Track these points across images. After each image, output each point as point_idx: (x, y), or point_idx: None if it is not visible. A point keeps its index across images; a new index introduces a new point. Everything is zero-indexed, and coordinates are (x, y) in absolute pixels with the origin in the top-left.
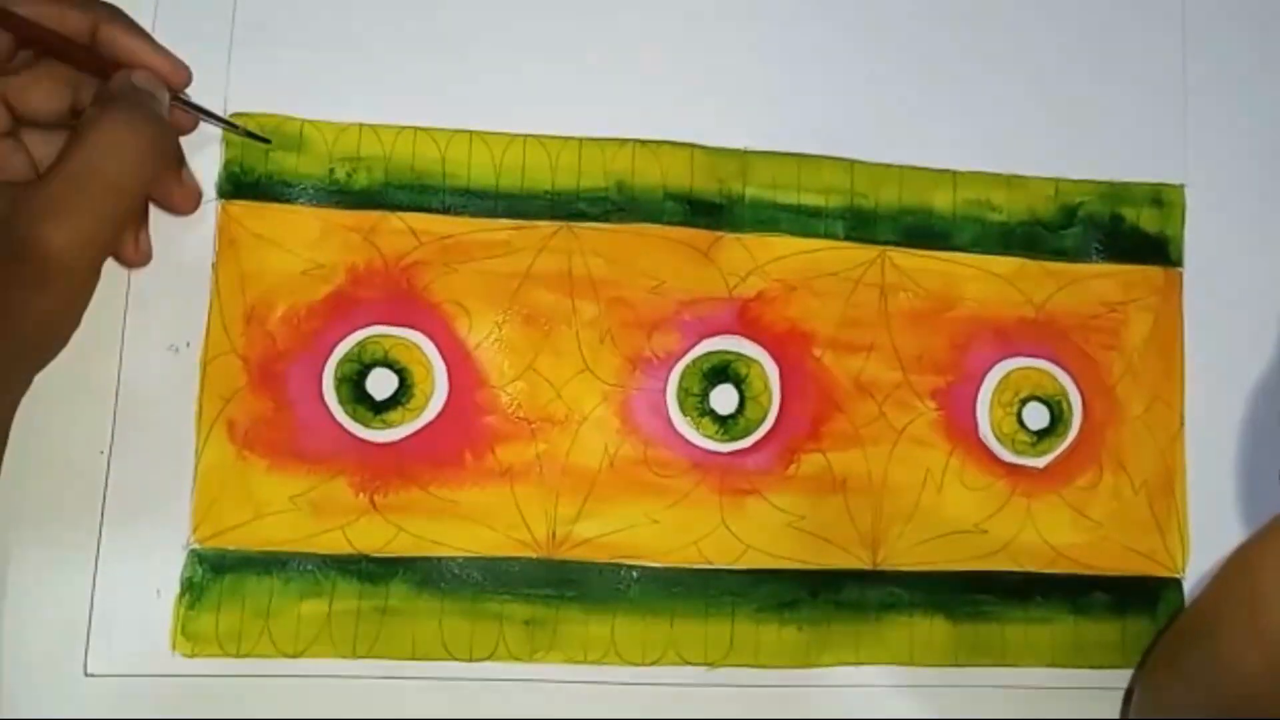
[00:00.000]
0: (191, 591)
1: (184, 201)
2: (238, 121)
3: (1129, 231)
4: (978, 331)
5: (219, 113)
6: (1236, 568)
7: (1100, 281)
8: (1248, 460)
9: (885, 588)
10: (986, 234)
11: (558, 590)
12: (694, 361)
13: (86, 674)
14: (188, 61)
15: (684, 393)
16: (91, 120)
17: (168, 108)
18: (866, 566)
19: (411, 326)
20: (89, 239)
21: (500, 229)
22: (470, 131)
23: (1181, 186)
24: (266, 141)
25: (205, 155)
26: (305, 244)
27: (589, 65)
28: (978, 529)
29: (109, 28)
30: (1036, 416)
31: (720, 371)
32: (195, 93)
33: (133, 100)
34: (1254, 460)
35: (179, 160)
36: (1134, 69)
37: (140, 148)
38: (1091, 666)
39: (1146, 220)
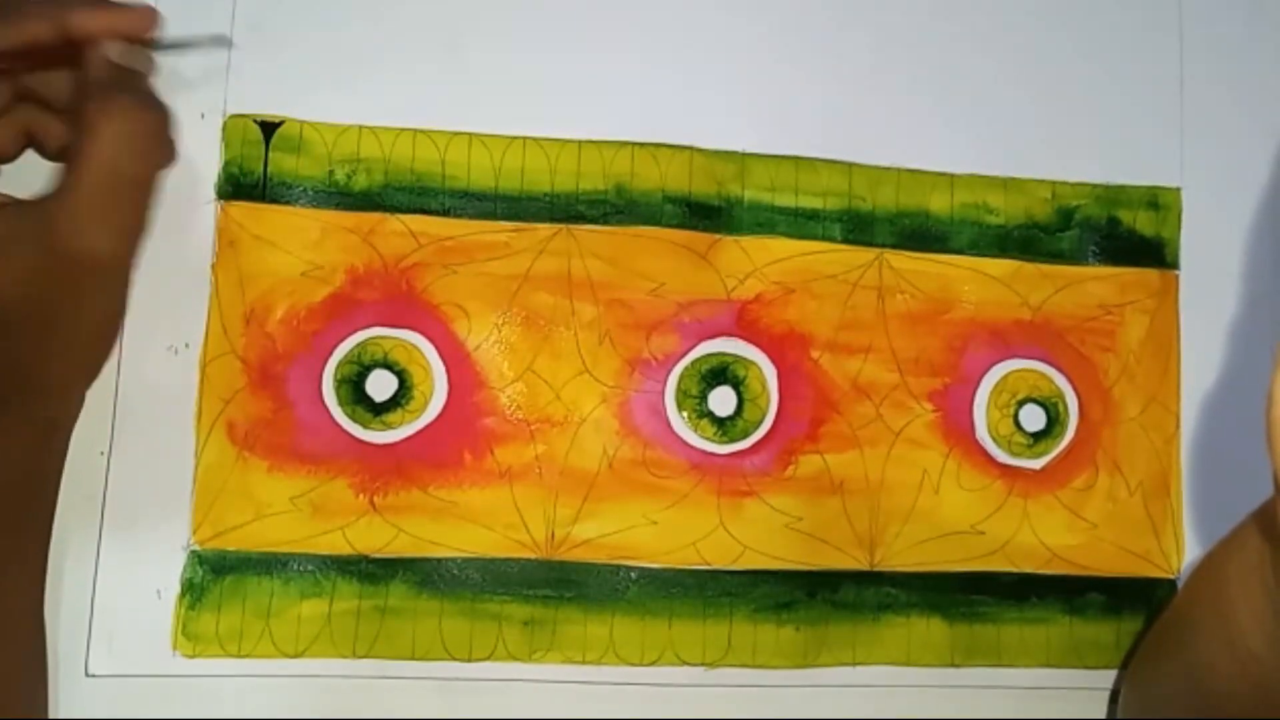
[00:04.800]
0: (192, 592)
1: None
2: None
3: (1125, 234)
4: (975, 333)
5: (221, 112)
6: (1205, 574)
7: (1097, 284)
8: (1243, 462)
9: (882, 588)
10: (983, 236)
11: (557, 591)
12: (693, 363)
13: (87, 674)
14: (187, 64)
15: (682, 394)
16: (94, 118)
17: (149, 66)
18: (863, 567)
19: (411, 328)
20: (128, 236)
21: (499, 231)
22: (469, 134)
23: (1177, 189)
24: (229, 43)
25: (204, 157)
26: (305, 245)
27: (588, 68)
28: (974, 530)
29: (72, 16)
30: (1033, 418)
31: (719, 373)
32: (194, 91)
33: (125, 86)
34: (1249, 462)
35: None
36: (1130, 72)
37: (150, 135)
38: (1087, 667)
39: (1143, 223)
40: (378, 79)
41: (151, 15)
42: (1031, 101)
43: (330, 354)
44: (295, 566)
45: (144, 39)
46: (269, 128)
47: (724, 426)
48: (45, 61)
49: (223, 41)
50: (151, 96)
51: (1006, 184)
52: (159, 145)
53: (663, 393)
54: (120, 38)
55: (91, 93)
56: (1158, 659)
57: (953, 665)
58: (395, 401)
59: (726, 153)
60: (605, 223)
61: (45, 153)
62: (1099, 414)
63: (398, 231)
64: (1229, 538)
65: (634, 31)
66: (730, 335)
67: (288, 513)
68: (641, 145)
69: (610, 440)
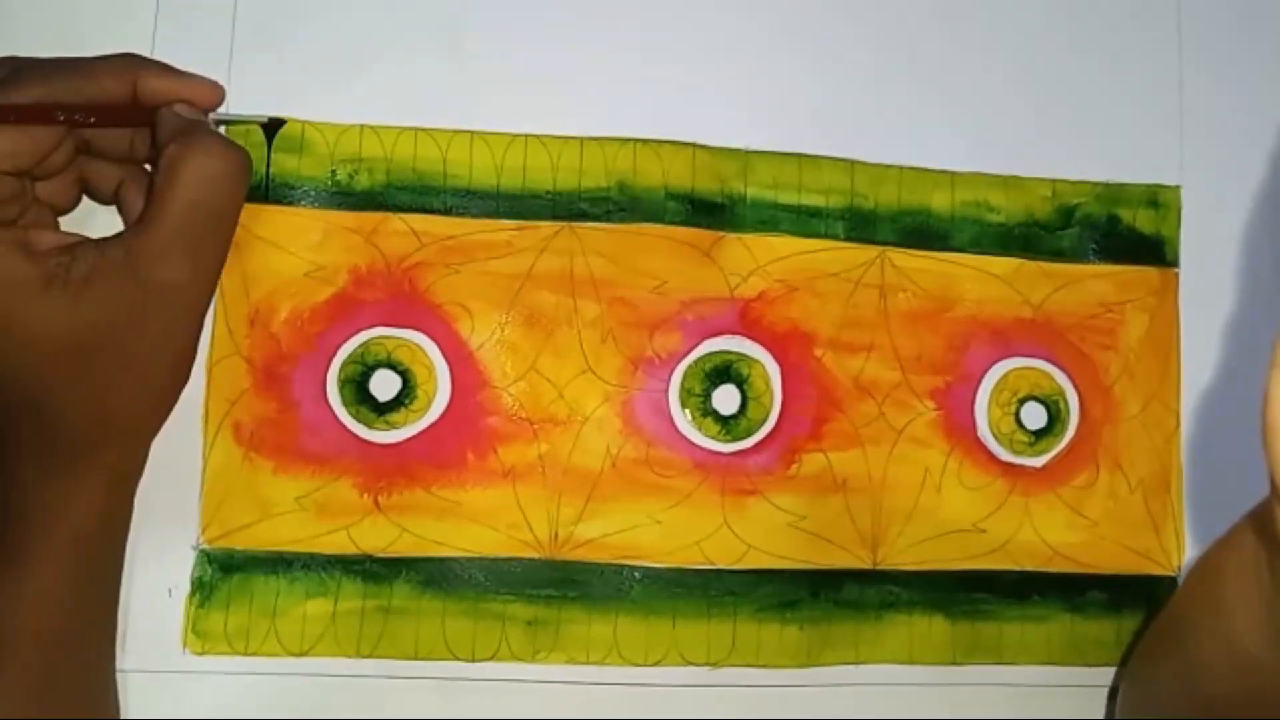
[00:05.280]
0: (201, 590)
1: None
2: (250, 118)
3: (1125, 232)
4: (976, 332)
5: (223, 113)
6: (1202, 573)
7: (1097, 282)
8: (1242, 459)
9: (885, 587)
10: (985, 235)
11: (560, 590)
12: (696, 362)
13: None
14: (188, 63)
15: (686, 393)
16: (176, 156)
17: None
18: (866, 566)
19: (414, 328)
20: (208, 268)
21: (502, 229)
22: (471, 132)
23: (1177, 188)
24: (281, 123)
25: None
26: (308, 246)
27: (590, 65)
28: (976, 528)
29: (145, 78)
30: (1034, 416)
31: (722, 372)
32: None
33: (206, 130)
34: (1249, 459)
35: None
36: (1130, 71)
37: (231, 173)
38: (1088, 664)
39: (1142, 221)
40: (378, 78)
41: (217, 90)
42: (1031, 100)
43: (334, 354)
44: (300, 566)
45: (205, 110)
46: (271, 128)
47: (728, 425)
48: (111, 119)
49: (276, 123)
50: (229, 141)
51: (1007, 182)
52: (239, 183)
53: (666, 391)
54: (185, 104)
55: (173, 135)
56: (1155, 658)
57: (954, 663)
58: (399, 401)
59: (730, 150)
60: (608, 220)
61: (100, 198)
62: (1100, 412)
63: (400, 231)
64: (1225, 538)
65: (636, 28)
66: (734, 333)
67: (293, 513)
68: (644, 142)
69: (613, 439)
